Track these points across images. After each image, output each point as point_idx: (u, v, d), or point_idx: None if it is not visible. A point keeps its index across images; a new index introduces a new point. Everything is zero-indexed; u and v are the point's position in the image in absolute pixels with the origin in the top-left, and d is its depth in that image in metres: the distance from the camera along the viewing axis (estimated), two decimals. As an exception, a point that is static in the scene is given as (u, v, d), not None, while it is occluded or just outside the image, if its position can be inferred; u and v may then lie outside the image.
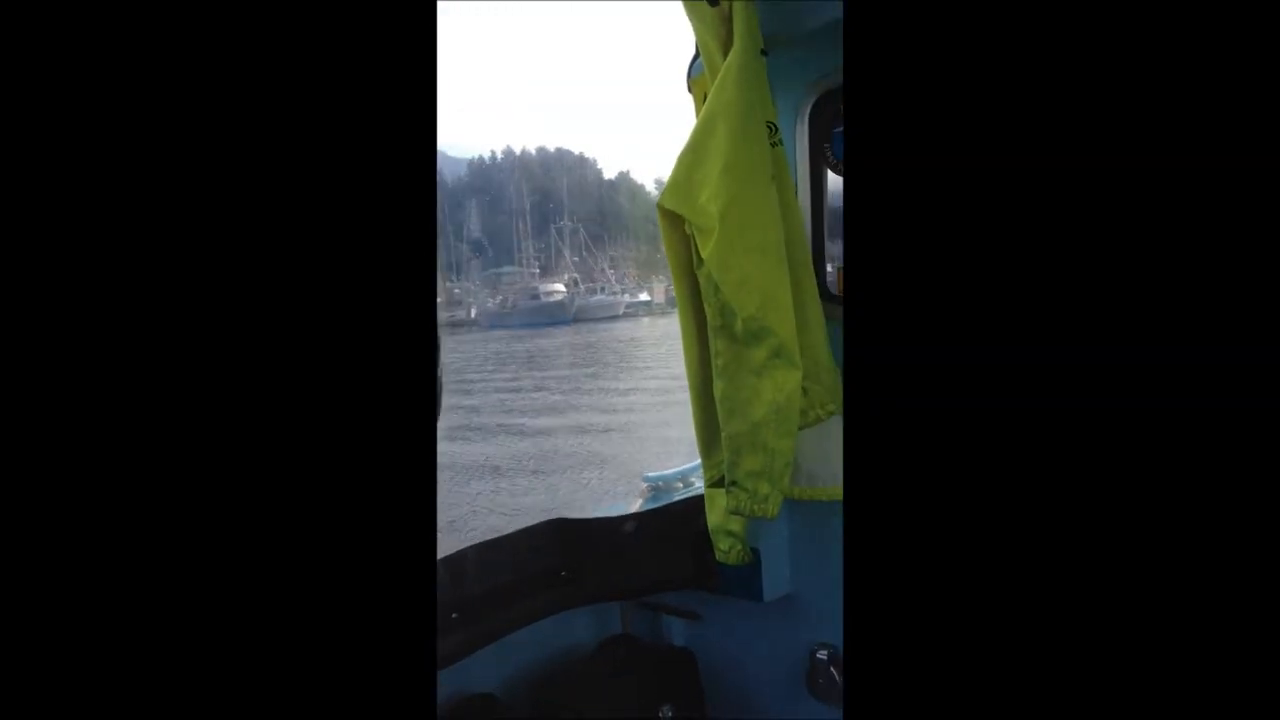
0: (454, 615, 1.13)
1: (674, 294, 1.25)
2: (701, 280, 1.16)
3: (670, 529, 1.32)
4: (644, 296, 45.07)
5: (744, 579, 1.25)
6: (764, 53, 1.17)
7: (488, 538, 1.24)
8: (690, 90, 1.29)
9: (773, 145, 1.17)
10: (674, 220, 1.19)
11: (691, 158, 1.17)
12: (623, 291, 45.80)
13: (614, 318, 38.32)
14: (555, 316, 37.37)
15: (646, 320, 37.05)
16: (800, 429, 1.12)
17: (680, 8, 1.21)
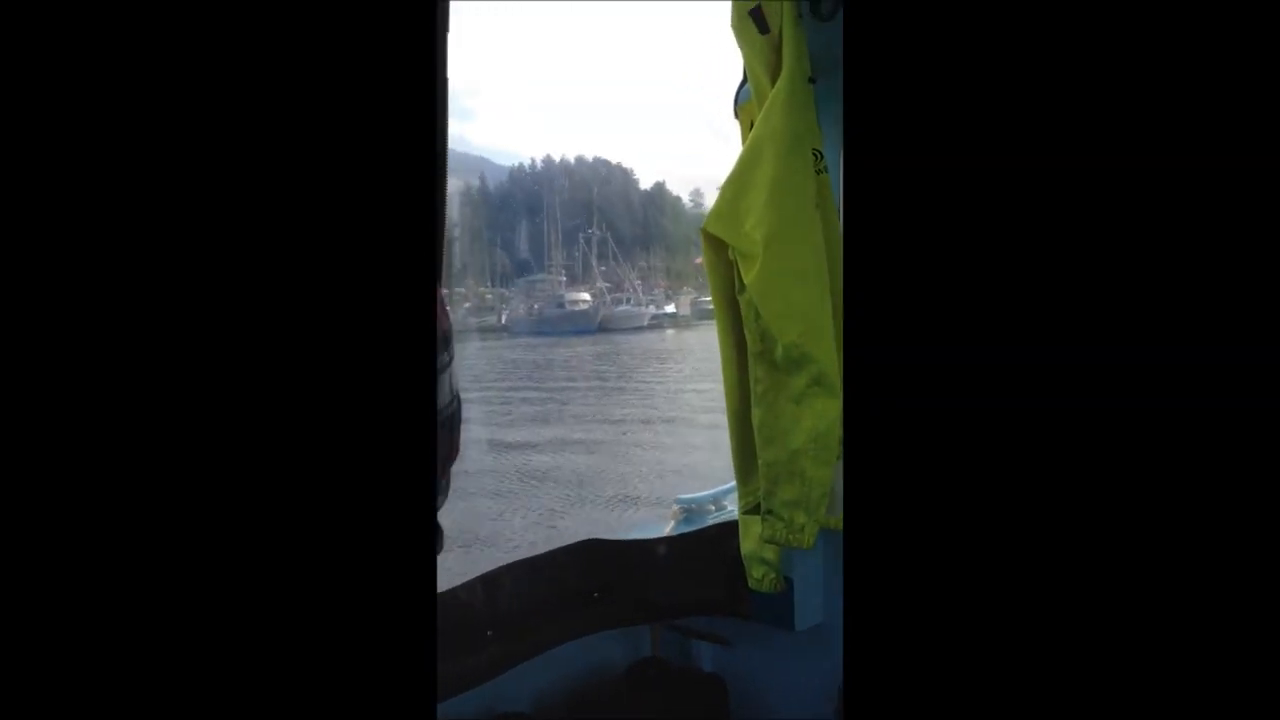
0: (489, 633, 1.13)
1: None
2: (743, 306, 1.16)
3: (703, 553, 1.32)
4: (670, 309, 45.04)
5: (776, 607, 1.24)
6: (812, 80, 1.18)
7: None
8: (737, 116, 1.30)
9: (818, 173, 1.17)
10: (717, 245, 1.19)
11: (737, 184, 1.17)
12: (649, 303, 45.82)
13: (639, 329, 38.38)
14: (580, 325, 37.49)
15: (671, 333, 37.03)
16: (838, 459, 1.12)
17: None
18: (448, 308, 0.65)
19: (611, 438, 11.64)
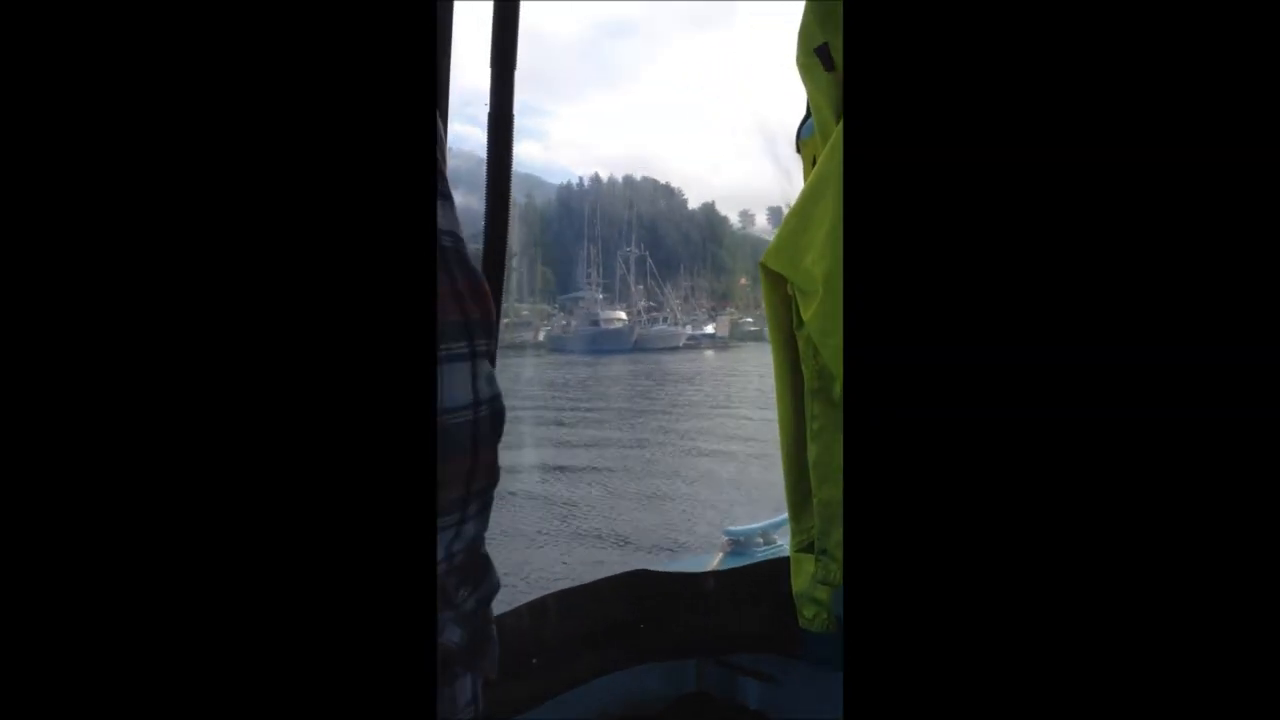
0: (534, 660, 1.14)
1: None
2: (800, 342, 1.16)
3: (752, 589, 1.31)
4: (709, 329, 44.92)
5: (826, 647, 1.22)
6: None
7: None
8: (799, 151, 1.30)
9: None
10: (776, 280, 1.19)
11: (798, 220, 1.17)
12: (687, 323, 45.76)
13: (674, 349, 38.28)
14: (614, 344, 37.49)
15: (710, 354, 36.89)
16: None
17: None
18: (487, 294, 0.56)
19: (582, 463, 11.55)
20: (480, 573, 0.57)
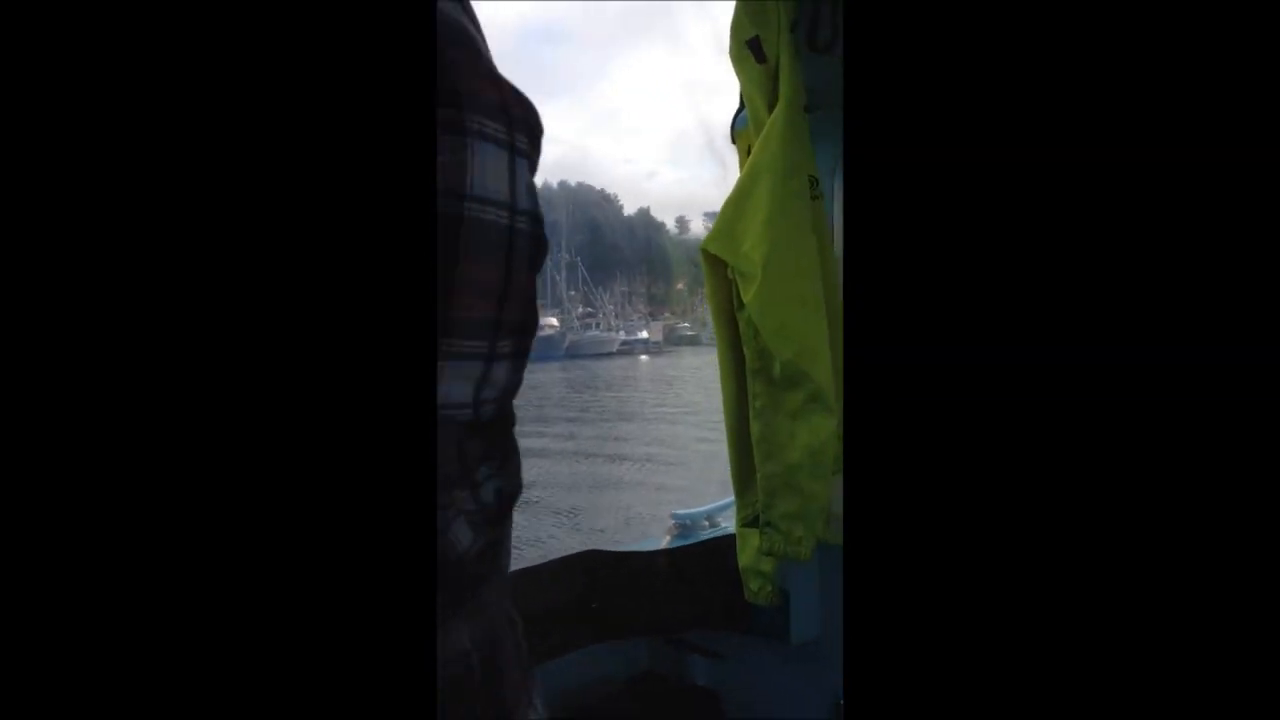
0: None
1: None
2: (741, 323, 1.20)
3: (700, 567, 1.34)
4: (643, 334, 44.99)
5: (772, 620, 1.26)
6: (808, 109, 1.22)
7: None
8: (734, 142, 1.34)
9: (813, 198, 1.22)
10: (716, 264, 1.23)
11: (734, 208, 1.22)
12: (620, 329, 45.72)
13: (608, 355, 38.22)
14: (545, 351, 37.11)
15: (644, 359, 36.98)
16: (835, 475, 1.15)
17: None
18: (526, 100, 0.47)
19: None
20: (509, 450, 0.44)
